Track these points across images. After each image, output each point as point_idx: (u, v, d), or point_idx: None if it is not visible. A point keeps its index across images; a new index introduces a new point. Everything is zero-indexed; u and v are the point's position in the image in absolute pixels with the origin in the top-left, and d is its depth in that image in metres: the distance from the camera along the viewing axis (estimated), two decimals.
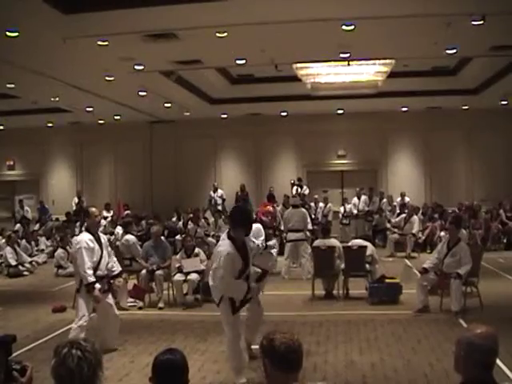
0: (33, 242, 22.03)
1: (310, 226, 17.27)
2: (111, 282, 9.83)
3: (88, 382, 3.27)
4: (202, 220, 22.06)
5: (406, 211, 21.82)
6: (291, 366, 3.67)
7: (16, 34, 12.89)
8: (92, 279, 9.15)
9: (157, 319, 12.26)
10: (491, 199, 24.51)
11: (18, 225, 24.12)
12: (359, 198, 24.65)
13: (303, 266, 16.43)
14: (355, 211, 24.44)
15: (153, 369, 3.87)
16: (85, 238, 9.38)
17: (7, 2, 11.09)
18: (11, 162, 30.13)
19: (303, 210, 17.74)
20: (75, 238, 9.89)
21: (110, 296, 9.77)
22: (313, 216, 23.02)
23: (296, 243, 16.73)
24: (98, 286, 9.25)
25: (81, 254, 9.19)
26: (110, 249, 10.13)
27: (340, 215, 24.91)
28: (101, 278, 9.44)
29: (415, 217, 21.10)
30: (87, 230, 9.57)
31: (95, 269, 9.32)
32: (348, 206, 24.71)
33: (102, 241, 9.64)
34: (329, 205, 24.87)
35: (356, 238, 16.51)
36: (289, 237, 16.97)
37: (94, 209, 9.90)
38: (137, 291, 13.57)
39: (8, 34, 12.85)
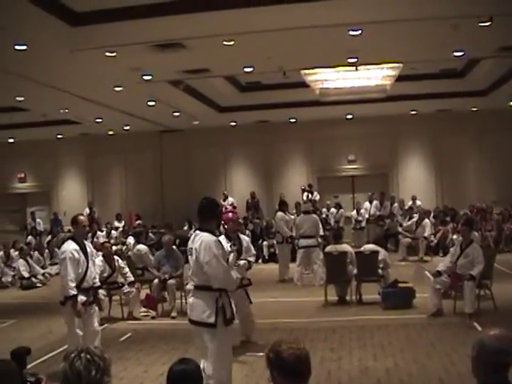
0: (45, 254, 22.10)
1: (321, 232, 17.25)
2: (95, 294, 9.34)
3: None
4: None
5: (415, 215, 21.75)
6: (301, 376, 3.62)
7: (24, 47, 12.97)
8: (73, 292, 8.67)
9: (170, 328, 12.27)
10: (503, 200, 24.39)
11: (30, 237, 24.19)
12: (371, 203, 24.59)
13: (315, 272, 16.40)
14: (367, 216, 24.39)
15: (167, 379, 3.87)
16: (70, 247, 8.86)
17: (15, 16, 11.16)
18: (22, 175, 30.24)
19: (314, 216, 17.73)
20: (62, 247, 9.28)
21: (95, 308, 9.30)
22: (324, 220, 23.03)
23: (308, 249, 16.69)
24: (82, 298, 8.81)
25: (65, 265, 8.75)
26: (94, 259, 9.69)
27: (353, 220, 24.85)
28: (87, 290, 8.99)
29: (427, 220, 21.05)
30: (73, 239, 9.04)
31: (81, 280, 8.86)
32: (362, 211, 24.62)
33: (88, 250, 9.13)
34: (341, 210, 24.84)
35: (368, 242, 16.48)
36: (301, 243, 16.95)
37: (82, 217, 9.36)
38: (149, 301, 13.60)
39: (16, 47, 12.93)
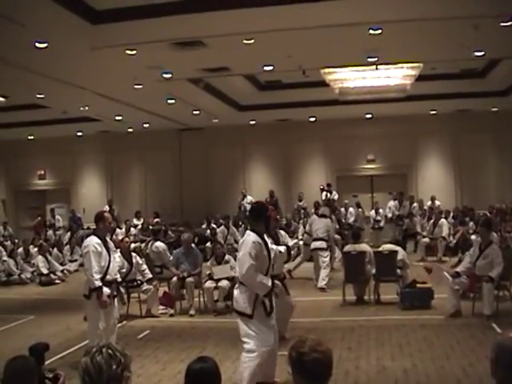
0: (64, 251, 22.17)
1: (333, 235, 17.10)
2: (117, 287, 9.83)
3: (116, 380, 3.28)
4: (233, 227, 22.01)
5: (434, 215, 21.65)
6: (321, 378, 3.61)
7: (45, 45, 13.03)
8: (98, 283, 8.93)
9: (188, 326, 12.29)
10: None
11: (50, 233, 24.30)
12: (395, 201, 24.29)
13: (320, 273, 16.09)
14: (390, 215, 24.14)
15: (186, 377, 3.86)
16: (93, 241, 9.11)
17: (36, 13, 11.21)
18: (42, 172, 30.42)
19: (328, 219, 17.50)
20: (84, 242, 9.55)
21: (115, 303, 9.56)
22: (343, 221, 22.94)
23: (317, 251, 16.48)
24: (106, 290, 9.06)
25: (88, 258, 9.00)
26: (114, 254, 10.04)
27: (371, 220, 24.70)
28: (110, 282, 9.27)
29: (443, 220, 20.96)
30: (95, 234, 9.29)
31: (104, 273, 9.13)
32: (380, 211, 24.44)
33: (110, 245, 9.44)
34: (360, 209, 24.70)
35: (387, 242, 16.39)
36: (312, 245, 16.79)
37: (107, 214, 9.74)
38: (167, 298, 13.62)
39: (37, 45, 12.98)
